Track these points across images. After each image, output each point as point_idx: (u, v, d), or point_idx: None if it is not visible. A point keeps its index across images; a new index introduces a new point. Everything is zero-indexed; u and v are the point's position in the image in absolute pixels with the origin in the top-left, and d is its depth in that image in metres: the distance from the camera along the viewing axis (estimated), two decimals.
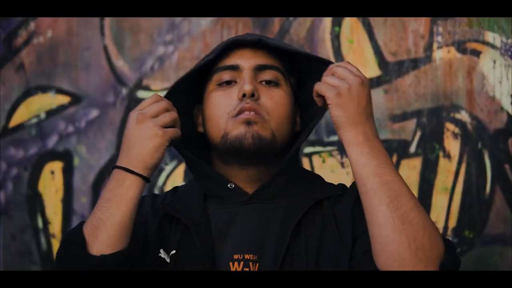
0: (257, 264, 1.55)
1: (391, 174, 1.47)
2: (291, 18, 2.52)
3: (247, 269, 1.54)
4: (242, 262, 1.55)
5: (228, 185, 1.61)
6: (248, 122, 1.56)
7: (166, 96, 1.63)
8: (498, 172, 2.27)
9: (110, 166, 2.62)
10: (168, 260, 1.59)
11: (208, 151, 1.71)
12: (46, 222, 2.89)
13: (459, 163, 2.32)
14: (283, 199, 1.61)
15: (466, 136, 2.32)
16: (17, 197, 2.94)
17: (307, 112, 1.72)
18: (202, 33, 2.67)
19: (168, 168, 2.70)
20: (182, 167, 2.68)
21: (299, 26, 2.53)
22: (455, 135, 2.34)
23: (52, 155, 2.89)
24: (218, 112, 1.60)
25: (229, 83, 1.64)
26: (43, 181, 2.90)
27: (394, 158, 2.38)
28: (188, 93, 1.71)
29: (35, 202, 2.91)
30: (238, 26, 2.59)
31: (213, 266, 1.54)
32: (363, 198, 1.47)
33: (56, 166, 2.89)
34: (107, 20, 2.81)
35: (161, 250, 1.59)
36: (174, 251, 1.59)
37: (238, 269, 1.54)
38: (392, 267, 1.40)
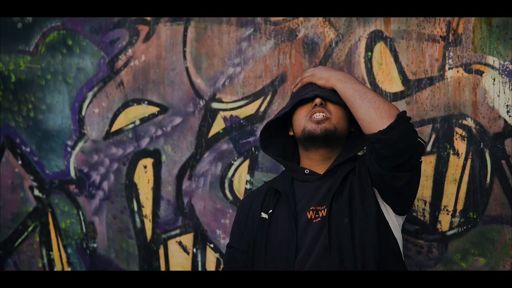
0: (325, 209, 2.06)
1: (359, 85, 2.09)
2: (333, 45, 2.66)
3: (318, 215, 2.07)
4: (314, 212, 2.09)
5: (305, 171, 2.17)
6: (318, 122, 2.10)
7: (273, 120, 2.20)
8: (496, 166, 2.38)
9: (190, 162, 2.95)
10: (266, 217, 2.13)
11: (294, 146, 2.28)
12: (140, 206, 3.07)
13: (466, 159, 2.43)
14: (337, 175, 2.12)
15: (471, 138, 2.42)
16: (117, 186, 3.12)
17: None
18: (263, 57, 2.80)
19: (236, 163, 2.87)
20: (247, 163, 2.85)
21: (340, 52, 2.65)
22: (462, 137, 2.44)
23: (145, 153, 3.06)
24: (300, 116, 2.16)
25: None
26: (138, 174, 3.07)
27: None
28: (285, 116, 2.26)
29: (131, 190, 3.09)
30: (291, 52, 2.74)
31: (295, 217, 2.08)
32: (348, 103, 2.07)
33: (148, 162, 3.05)
34: (188, 47, 2.94)
35: (262, 213, 2.16)
36: (271, 210, 2.15)
37: (312, 216, 2.07)
38: (370, 126, 1.97)
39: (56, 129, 3.26)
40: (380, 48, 2.60)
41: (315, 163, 2.18)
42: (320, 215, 2.08)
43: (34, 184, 3.32)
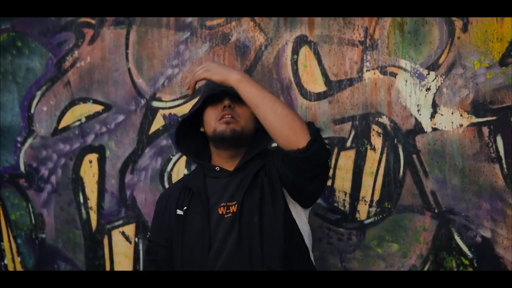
0: (236, 205, 2.05)
1: (266, 92, 1.98)
2: (262, 48, 2.69)
3: (229, 211, 2.05)
4: (225, 207, 2.07)
5: (215, 168, 2.17)
6: (227, 122, 2.10)
7: (185, 117, 2.16)
8: (408, 160, 2.43)
9: (132, 157, 2.95)
10: (182, 213, 2.13)
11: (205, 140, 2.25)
12: (86, 198, 3.05)
13: (381, 154, 2.47)
14: (249, 170, 2.13)
15: (386, 134, 2.46)
16: (64, 180, 3.10)
17: None
18: (199, 59, 2.80)
19: (174, 158, 2.88)
20: (184, 158, 2.86)
21: (269, 55, 2.68)
22: (378, 134, 2.48)
23: (90, 149, 3.05)
24: (211, 117, 2.15)
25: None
26: (84, 168, 3.06)
27: (335, 150, 2.54)
28: (196, 112, 2.22)
29: (78, 183, 3.07)
30: (225, 54, 2.76)
31: (208, 213, 2.06)
32: (255, 112, 1.97)
33: (93, 157, 3.04)
34: (130, 49, 2.94)
35: (178, 210, 2.15)
36: (186, 207, 2.14)
37: (224, 212, 2.06)
38: (285, 143, 1.91)
39: (7, 126, 3.25)
40: (305, 52, 2.64)
41: (224, 160, 2.17)
42: (231, 211, 2.06)
43: None
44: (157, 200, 2.30)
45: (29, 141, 3.19)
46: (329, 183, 2.59)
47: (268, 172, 2.11)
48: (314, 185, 2.02)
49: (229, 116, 2.10)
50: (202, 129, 2.23)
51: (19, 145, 3.21)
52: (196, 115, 2.22)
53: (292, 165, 1.96)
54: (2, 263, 3.29)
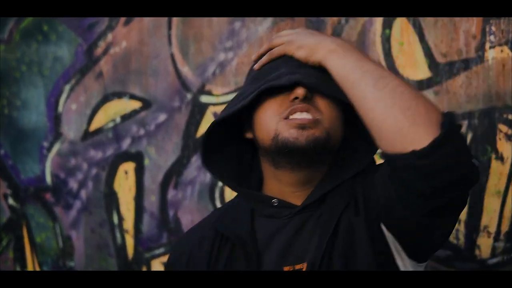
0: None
1: (370, 63, 1.38)
2: (342, 22, 2.39)
3: None
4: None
5: (273, 202, 1.49)
6: (301, 126, 1.42)
7: (219, 118, 1.51)
8: None
9: (176, 166, 2.68)
10: None
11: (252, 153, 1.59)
12: (121, 218, 2.86)
13: None
14: (326, 205, 1.47)
15: None
16: (96, 195, 2.91)
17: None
18: (259, 39, 2.56)
19: None
20: None
21: (351, 30, 2.39)
22: (508, 137, 2.13)
23: (126, 156, 2.85)
24: (268, 113, 1.46)
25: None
26: (118, 180, 2.88)
27: None
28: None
29: (111, 200, 2.89)
30: None
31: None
32: (350, 94, 1.37)
33: (129, 166, 2.86)
34: (174, 30, 2.76)
35: None
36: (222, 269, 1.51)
37: None
38: (395, 141, 1.28)
39: (31, 128, 3.09)
40: (401, 24, 2.32)
41: (288, 187, 1.51)
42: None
43: (8, 191, 3.15)
44: (171, 250, 1.72)
45: (57, 146, 3.03)
46: None
47: (363, 209, 1.45)
48: (437, 231, 1.36)
49: (305, 112, 1.43)
50: (249, 135, 1.55)
51: (45, 151, 3.05)
52: (239, 113, 1.52)
53: (402, 185, 1.31)
54: None
